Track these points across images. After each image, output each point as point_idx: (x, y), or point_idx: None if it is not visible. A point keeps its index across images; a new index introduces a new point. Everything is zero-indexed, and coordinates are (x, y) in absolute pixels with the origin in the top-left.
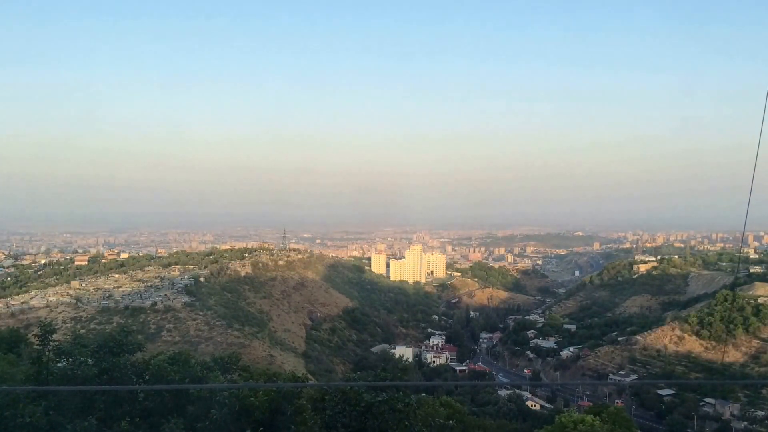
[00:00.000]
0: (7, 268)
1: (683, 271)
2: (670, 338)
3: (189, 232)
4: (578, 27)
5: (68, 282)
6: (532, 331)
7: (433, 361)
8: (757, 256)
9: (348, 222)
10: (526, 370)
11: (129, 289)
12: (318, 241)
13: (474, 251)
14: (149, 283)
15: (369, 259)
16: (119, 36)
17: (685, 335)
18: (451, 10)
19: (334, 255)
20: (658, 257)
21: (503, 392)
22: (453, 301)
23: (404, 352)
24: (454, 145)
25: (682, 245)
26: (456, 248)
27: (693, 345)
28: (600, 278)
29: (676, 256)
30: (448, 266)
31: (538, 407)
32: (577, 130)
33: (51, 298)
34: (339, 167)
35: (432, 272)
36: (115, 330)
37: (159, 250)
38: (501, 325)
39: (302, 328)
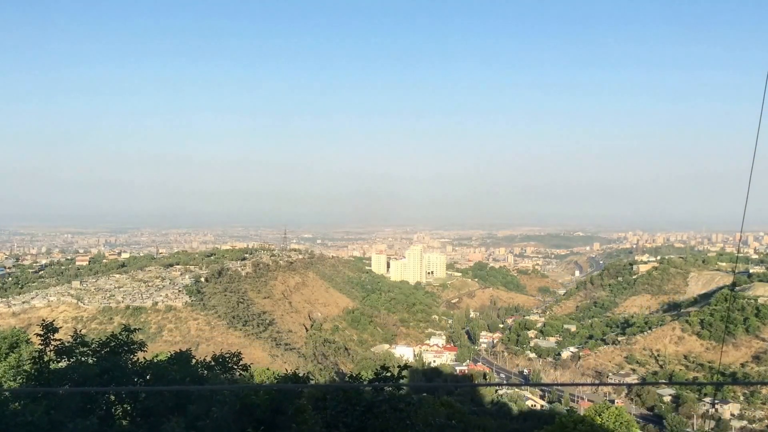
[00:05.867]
0: (9, 268)
1: (683, 271)
2: (670, 338)
3: (190, 232)
4: (579, 29)
5: (69, 282)
6: (532, 331)
7: (434, 361)
8: (757, 257)
9: (348, 222)
10: (526, 370)
11: (130, 289)
12: (318, 241)
13: (474, 251)
14: (150, 283)
15: (369, 259)
16: (121, 35)
17: (685, 335)
18: (453, 13)
19: (334, 255)
20: (658, 257)
21: (503, 392)
22: (453, 301)
23: (405, 352)
24: (454, 145)
25: (682, 245)
26: (456, 248)
27: (693, 345)
28: (600, 278)
29: (676, 256)
30: (449, 266)
31: (538, 407)
32: (577, 131)
33: (52, 298)
34: (339, 167)
35: (432, 272)
36: (117, 329)
37: (160, 250)
38: (501, 325)
39: (303, 328)
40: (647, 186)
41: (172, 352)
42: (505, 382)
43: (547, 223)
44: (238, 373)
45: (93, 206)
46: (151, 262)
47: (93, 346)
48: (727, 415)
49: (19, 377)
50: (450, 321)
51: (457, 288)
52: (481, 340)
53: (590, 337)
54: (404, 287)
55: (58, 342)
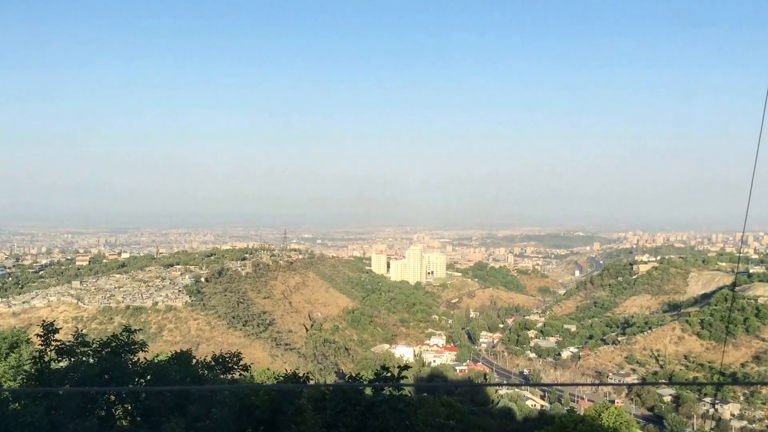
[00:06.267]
0: (9, 268)
1: (683, 271)
2: (670, 338)
3: (190, 232)
4: (580, 28)
5: (69, 282)
6: (533, 331)
7: (434, 361)
8: (757, 257)
9: (348, 222)
10: (526, 370)
11: (130, 289)
12: (319, 241)
13: (474, 251)
14: (150, 283)
15: (369, 259)
16: (121, 36)
17: (685, 335)
18: (455, 16)
19: (334, 255)
20: (658, 257)
21: (503, 392)
22: (453, 301)
23: (405, 352)
24: (455, 146)
25: (682, 245)
26: (456, 248)
27: (693, 345)
28: (600, 278)
29: (676, 256)
30: (449, 266)
31: (538, 407)
32: (577, 131)
33: (52, 298)
34: (340, 167)
35: (432, 272)
36: (117, 329)
37: (160, 250)
38: (501, 325)
39: (303, 328)
40: (648, 186)
41: (173, 352)
42: (505, 382)
43: (547, 223)
44: (238, 374)
45: (93, 206)
46: (151, 262)
47: (94, 346)
48: (727, 415)
49: (20, 377)
50: (450, 321)
51: (457, 288)
52: (481, 340)
53: (590, 337)
54: (404, 287)
55: (59, 342)
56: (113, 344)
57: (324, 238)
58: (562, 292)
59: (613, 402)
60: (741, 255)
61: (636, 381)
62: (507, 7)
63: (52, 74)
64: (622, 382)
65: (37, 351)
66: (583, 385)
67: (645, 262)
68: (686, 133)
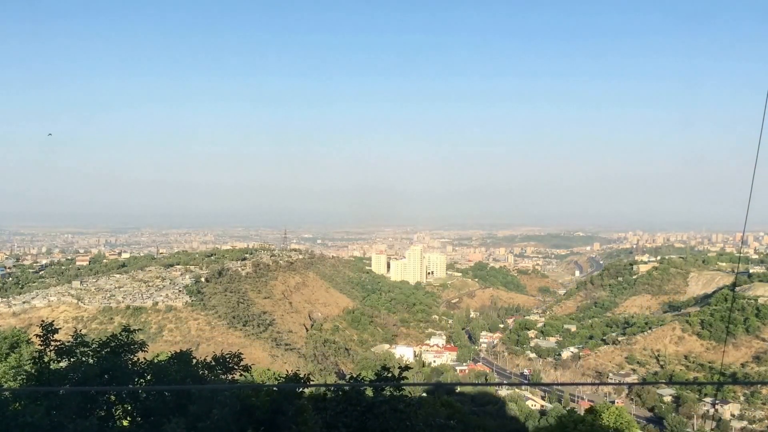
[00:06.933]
0: (9, 268)
1: (683, 271)
2: (670, 338)
3: (190, 232)
4: (577, 28)
5: (69, 282)
6: (533, 331)
7: (434, 362)
8: (757, 257)
9: (349, 222)
10: (526, 370)
11: (130, 289)
12: (319, 241)
13: (474, 251)
14: (150, 283)
15: (370, 259)
16: (121, 36)
17: (685, 335)
18: (455, 14)
19: (334, 255)
20: (658, 257)
21: (503, 392)
22: (453, 301)
23: (405, 352)
24: (455, 146)
25: (682, 245)
26: (456, 248)
27: (693, 345)
28: (600, 278)
29: (676, 256)
30: (449, 266)
31: (538, 407)
32: (577, 131)
33: (52, 298)
34: (340, 168)
35: (432, 272)
36: (117, 329)
37: (160, 250)
38: (501, 325)
39: (303, 328)
40: (647, 186)
41: (173, 352)
42: (505, 382)
43: (547, 223)
44: (238, 374)
45: (94, 206)
46: (152, 262)
47: (93, 346)
48: (727, 416)
49: (20, 377)
50: (450, 321)
51: (457, 288)
52: (481, 340)
53: (590, 337)
54: (404, 287)
55: (59, 342)
56: (113, 344)
57: (324, 238)
58: (562, 292)
59: (613, 402)
60: (741, 255)
61: (636, 381)
62: (507, 6)
63: (51, 71)
64: (622, 382)
65: (37, 351)
66: (583, 384)
67: (645, 262)
68: (687, 132)
